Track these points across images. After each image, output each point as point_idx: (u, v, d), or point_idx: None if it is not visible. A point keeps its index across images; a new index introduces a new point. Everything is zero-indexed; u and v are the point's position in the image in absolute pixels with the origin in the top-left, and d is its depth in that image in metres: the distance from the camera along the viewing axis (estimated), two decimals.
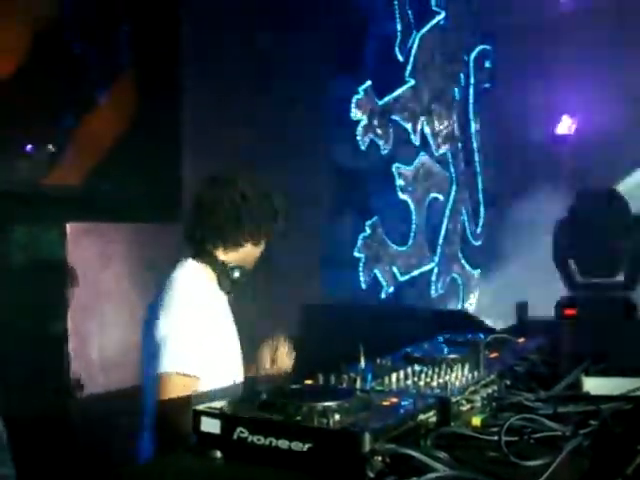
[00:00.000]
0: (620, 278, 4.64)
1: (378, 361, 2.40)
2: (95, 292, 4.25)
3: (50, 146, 4.23)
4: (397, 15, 6.98)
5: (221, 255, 2.80)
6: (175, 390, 2.59)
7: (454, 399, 1.89)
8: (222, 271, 2.79)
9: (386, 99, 6.89)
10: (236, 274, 2.80)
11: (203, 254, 2.81)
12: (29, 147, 4.16)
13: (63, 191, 4.25)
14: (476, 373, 2.17)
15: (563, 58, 7.69)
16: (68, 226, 4.06)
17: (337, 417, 1.65)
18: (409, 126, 7.25)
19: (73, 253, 4.07)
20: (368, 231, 6.62)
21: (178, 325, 2.62)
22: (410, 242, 7.24)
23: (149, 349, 2.73)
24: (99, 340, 4.25)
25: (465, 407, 1.94)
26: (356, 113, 6.43)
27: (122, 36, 4.64)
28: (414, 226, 7.28)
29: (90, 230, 4.22)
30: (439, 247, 7.75)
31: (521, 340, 2.85)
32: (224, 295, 2.84)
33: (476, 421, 1.91)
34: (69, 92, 4.31)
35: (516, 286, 6.74)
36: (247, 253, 2.83)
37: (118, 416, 4.15)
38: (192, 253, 2.85)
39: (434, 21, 7.59)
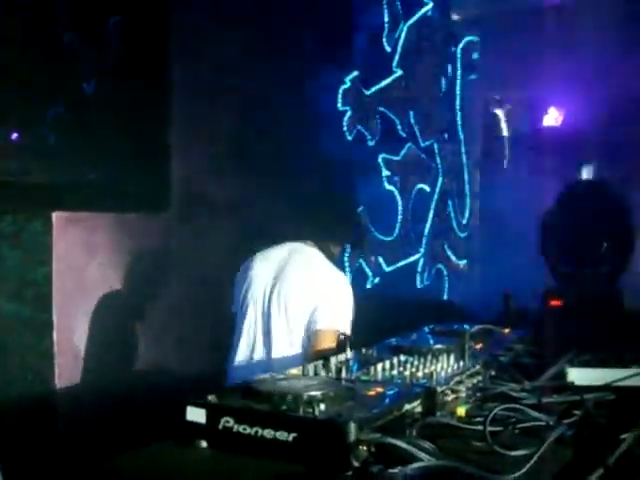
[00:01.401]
0: (605, 269, 4.66)
1: (364, 351, 2.41)
2: (81, 281, 4.23)
3: (37, 135, 4.20)
4: (385, 5, 6.96)
5: (332, 249, 3.58)
6: (330, 344, 3.14)
7: (439, 389, 1.90)
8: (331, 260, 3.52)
9: (373, 90, 6.89)
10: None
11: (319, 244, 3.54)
12: (15, 135, 4.13)
13: (49, 180, 4.22)
14: (461, 363, 2.18)
15: (548, 51, 7.71)
16: (54, 215, 4.04)
17: (322, 407, 1.65)
18: (396, 117, 7.24)
19: (59, 242, 4.05)
20: None
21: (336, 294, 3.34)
22: (396, 233, 7.25)
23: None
24: (85, 330, 4.24)
25: (450, 397, 1.96)
26: (343, 103, 6.42)
27: (111, 26, 4.61)
28: (400, 217, 7.29)
29: (77, 220, 4.20)
30: (425, 238, 7.76)
31: (506, 331, 2.87)
32: None
33: (461, 411, 1.92)
34: (56, 81, 4.28)
35: (501, 276, 6.76)
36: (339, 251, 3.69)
37: (103, 406, 4.16)
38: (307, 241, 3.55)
39: (422, 12, 7.59)
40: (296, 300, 3.31)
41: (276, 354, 3.31)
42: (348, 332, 3.21)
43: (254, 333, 3.42)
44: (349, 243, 3.82)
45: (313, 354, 3.13)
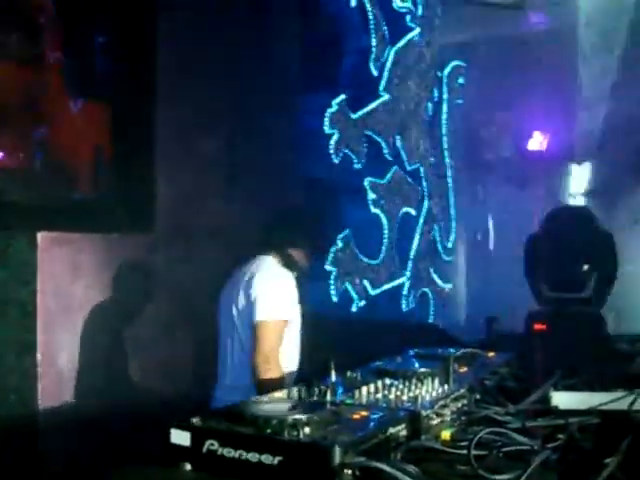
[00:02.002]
0: (588, 293, 4.68)
1: (348, 374, 2.41)
2: (65, 301, 4.21)
3: (22, 155, 4.20)
4: (372, 30, 7.02)
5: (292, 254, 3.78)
6: (273, 333, 3.39)
7: (424, 413, 1.90)
8: (291, 265, 3.73)
9: (360, 113, 6.92)
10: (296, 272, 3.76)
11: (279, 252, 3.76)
12: (0, 155, 4.13)
13: (34, 199, 4.21)
14: (446, 387, 2.18)
15: (534, 75, 7.78)
16: (39, 235, 4.03)
17: (307, 430, 1.65)
18: (382, 140, 7.28)
19: (44, 262, 4.03)
20: (340, 244, 6.63)
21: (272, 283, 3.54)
22: (382, 256, 7.26)
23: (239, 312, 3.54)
24: (69, 351, 4.22)
25: (435, 421, 1.96)
26: (329, 127, 6.44)
27: (98, 46, 4.62)
28: (386, 240, 7.30)
29: (62, 240, 4.19)
30: (410, 261, 7.77)
31: (491, 354, 2.88)
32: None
33: (446, 435, 1.92)
34: (43, 100, 4.28)
35: (486, 300, 6.79)
36: (304, 258, 3.87)
37: (85, 427, 4.12)
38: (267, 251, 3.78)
39: (409, 36, 7.65)
40: (243, 305, 3.53)
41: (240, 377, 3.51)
42: (288, 318, 3.47)
43: (224, 353, 3.65)
44: (311, 251, 3.89)
45: (257, 345, 3.38)
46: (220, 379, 3.64)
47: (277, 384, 3.32)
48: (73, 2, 4.43)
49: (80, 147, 4.50)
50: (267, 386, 3.29)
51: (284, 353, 3.48)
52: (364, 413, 1.85)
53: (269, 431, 1.66)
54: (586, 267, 4.54)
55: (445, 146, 8.52)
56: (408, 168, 7.74)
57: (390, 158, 7.42)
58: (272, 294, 3.48)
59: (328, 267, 6.49)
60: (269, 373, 3.35)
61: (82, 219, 4.43)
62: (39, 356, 3.97)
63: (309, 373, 2.51)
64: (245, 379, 3.45)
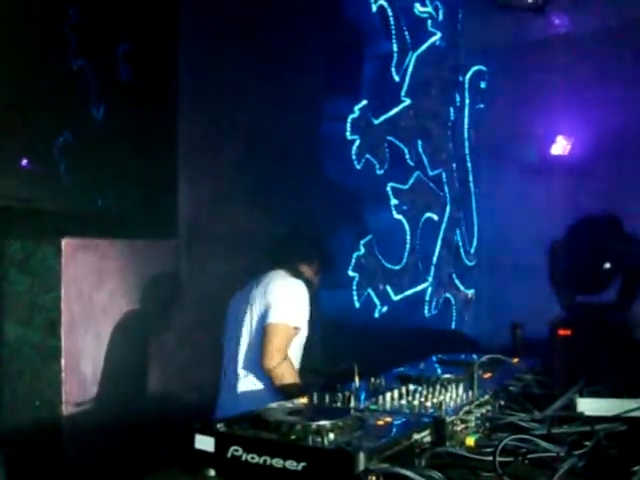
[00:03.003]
0: (615, 298, 4.64)
1: (372, 380, 2.40)
2: (89, 307, 4.23)
3: (46, 161, 4.23)
4: (393, 35, 7.01)
5: (305, 272, 3.83)
6: (283, 336, 3.43)
7: (448, 419, 1.89)
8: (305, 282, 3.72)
9: (382, 119, 6.92)
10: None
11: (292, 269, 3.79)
12: (24, 162, 4.16)
13: (59, 206, 4.24)
14: (470, 393, 2.17)
15: (557, 80, 7.74)
16: (63, 241, 4.05)
17: (331, 436, 1.64)
18: (404, 146, 7.27)
19: (68, 269, 4.05)
20: (362, 250, 6.62)
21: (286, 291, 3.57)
22: (404, 261, 7.24)
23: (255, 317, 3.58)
24: (93, 356, 4.23)
25: (459, 427, 1.94)
26: (351, 133, 6.44)
27: (120, 53, 4.66)
28: (408, 245, 7.29)
29: (86, 246, 4.21)
30: (433, 267, 7.75)
31: (515, 360, 2.86)
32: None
33: (470, 441, 1.90)
34: (67, 107, 4.31)
35: (511, 305, 6.74)
36: (316, 277, 3.94)
37: (109, 432, 4.14)
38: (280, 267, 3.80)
39: (430, 41, 7.64)
40: (258, 315, 3.56)
41: (247, 381, 3.55)
42: (300, 326, 3.50)
43: (226, 366, 3.69)
44: (318, 266, 3.93)
45: (263, 346, 3.40)
46: (225, 387, 3.68)
47: (291, 382, 3.40)
48: (98, 11, 4.47)
49: (103, 154, 4.53)
50: (282, 386, 3.37)
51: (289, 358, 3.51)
52: (388, 419, 1.84)
53: (293, 437, 1.66)
54: (612, 272, 4.51)
55: (467, 151, 8.49)
56: (430, 173, 7.72)
57: (412, 163, 7.41)
58: (286, 300, 3.53)
59: (351, 273, 6.48)
60: (279, 370, 3.39)
61: (106, 226, 4.46)
62: (63, 362, 3.99)
63: (333, 379, 2.51)
64: (251, 386, 3.52)
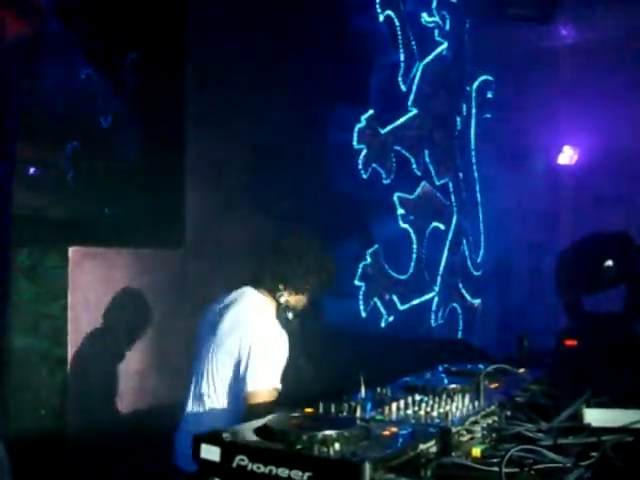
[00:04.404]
0: (622, 309, 4.63)
1: (378, 390, 2.40)
2: (96, 316, 4.24)
3: (54, 169, 4.25)
4: (401, 45, 7.03)
5: (284, 296, 3.35)
6: (266, 401, 3.03)
7: (454, 429, 1.89)
8: (283, 309, 3.34)
9: (388, 128, 6.92)
10: (290, 315, 3.37)
11: (270, 292, 3.35)
12: (32, 170, 4.18)
13: (66, 214, 4.25)
14: (476, 403, 2.17)
15: (564, 89, 7.75)
16: (70, 250, 4.06)
17: (337, 446, 1.64)
18: (411, 155, 7.27)
19: (75, 277, 4.06)
20: (369, 260, 6.62)
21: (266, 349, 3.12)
22: (411, 271, 7.23)
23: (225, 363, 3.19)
24: (99, 365, 4.24)
25: (465, 437, 1.94)
26: (358, 142, 6.45)
27: (129, 62, 4.68)
28: (415, 255, 7.28)
29: (93, 255, 4.22)
30: (439, 276, 7.74)
31: (522, 371, 2.85)
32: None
33: (476, 452, 1.90)
34: (74, 116, 4.33)
35: (516, 315, 6.74)
36: (301, 300, 3.40)
37: (114, 442, 4.14)
38: (258, 286, 3.39)
39: (437, 51, 7.65)
40: (225, 356, 3.21)
41: (211, 405, 3.23)
42: (279, 386, 3.09)
43: (194, 384, 3.35)
44: (305, 288, 3.37)
45: (248, 414, 2.96)
46: (189, 410, 3.32)
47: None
48: (107, 21, 4.49)
49: (111, 162, 4.55)
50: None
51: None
52: (394, 429, 1.84)
53: (299, 447, 1.66)
54: (620, 283, 4.50)
55: (474, 160, 8.49)
56: (437, 183, 7.72)
57: (419, 173, 7.41)
58: (265, 358, 3.11)
59: (357, 282, 6.48)
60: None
61: (113, 234, 4.47)
62: (69, 370, 4.00)
63: (339, 389, 2.49)
64: (216, 417, 3.18)
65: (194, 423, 3.21)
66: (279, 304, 3.34)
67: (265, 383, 3.08)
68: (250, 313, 3.27)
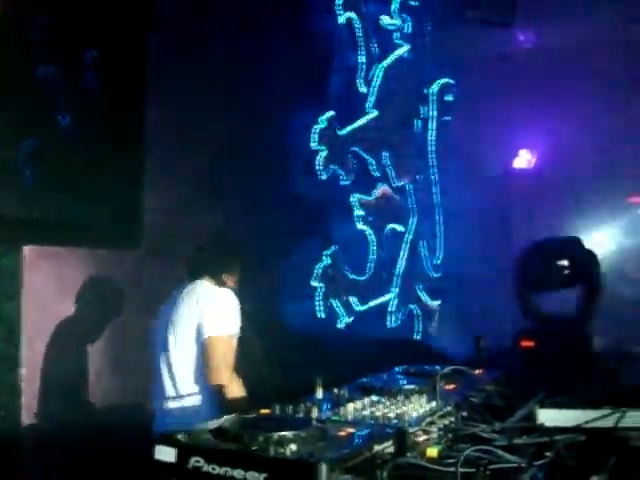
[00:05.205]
0: (575, 311, 4.70)
1: (335, 391, 2.40)
2: (50, 316, 4.19)
3: (10, 168, 4.18)
4: (360, 47, 7.04)
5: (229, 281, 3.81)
6: (226, 348, 3.42)
7: (411, 430, 1.89)
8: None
9: (348, 129, 6.93)
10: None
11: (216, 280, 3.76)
12: None
13: (22, 213, 4.19)
14: (433, 404, 2.18)
15: (522, 94, 7.82)
16: (26, 249, 4.00)
17: (293, 447, 1.64)
18: (370, 157, 7.29)
19: (30, 277, 4.01)
20: (327, 261, 6.62)
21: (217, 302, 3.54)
22: (369, 272, 7.25)
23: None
24: (53, 366, 4.18)
25: (422, 438, 1.95)
26: (317, 143, 6.45)
27: (88, 60, 4.62)
28: (373, 256, 7.30)
29: (48, 254, 4.16)
30: (397, 278, 7.76)
31: (478, 371, 2.87)
32: None
33: (432, 452, 1.91)
34: (32, 113, 4.27)
35: (474, 317, 6.78)
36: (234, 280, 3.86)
37: (70, 443, 4.09)
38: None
39: (397, 53, 7.67)
40: (184, 324, 3.51)
41: (180, 383, 3.48)
42: (234, 333, 3.47)
43: (160, 372, 3.58)
44: (239, 274, 3.92)
45: (208, 361, 3.37)
46: (161, 400, 3.55)
47: (237, 396, 3.35)
48: (66, 18, 4.44)
49: (68, 161, 4.49)
50: (230, 400, 3.32)
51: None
52: (350, 430, 1.84)
53: (255, 448, 1.65)
54: (572, 284, 4.56)
55: (432, 163, 8.52)
56: (395, 184, 7.74)
57: (377, 174, 7.42)
58: (221, 310, 3.49)
59: (314, 283, 6.48)
60: (225, 384, 3.34)
61: (70, 234, 4.42)
62: (24, 371, 3.94)
63: (295, 390, 2.50)
64: (194, 403, 3.44)
65: (173, 402, 3.45)
66: (221, 285, 3.73)
67: (223, 329, 3.42)
68: (204, 292, 3.61)
